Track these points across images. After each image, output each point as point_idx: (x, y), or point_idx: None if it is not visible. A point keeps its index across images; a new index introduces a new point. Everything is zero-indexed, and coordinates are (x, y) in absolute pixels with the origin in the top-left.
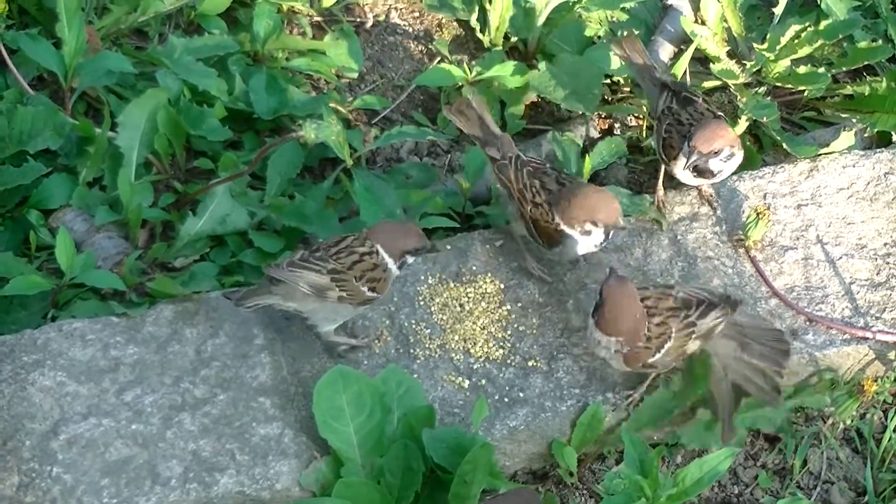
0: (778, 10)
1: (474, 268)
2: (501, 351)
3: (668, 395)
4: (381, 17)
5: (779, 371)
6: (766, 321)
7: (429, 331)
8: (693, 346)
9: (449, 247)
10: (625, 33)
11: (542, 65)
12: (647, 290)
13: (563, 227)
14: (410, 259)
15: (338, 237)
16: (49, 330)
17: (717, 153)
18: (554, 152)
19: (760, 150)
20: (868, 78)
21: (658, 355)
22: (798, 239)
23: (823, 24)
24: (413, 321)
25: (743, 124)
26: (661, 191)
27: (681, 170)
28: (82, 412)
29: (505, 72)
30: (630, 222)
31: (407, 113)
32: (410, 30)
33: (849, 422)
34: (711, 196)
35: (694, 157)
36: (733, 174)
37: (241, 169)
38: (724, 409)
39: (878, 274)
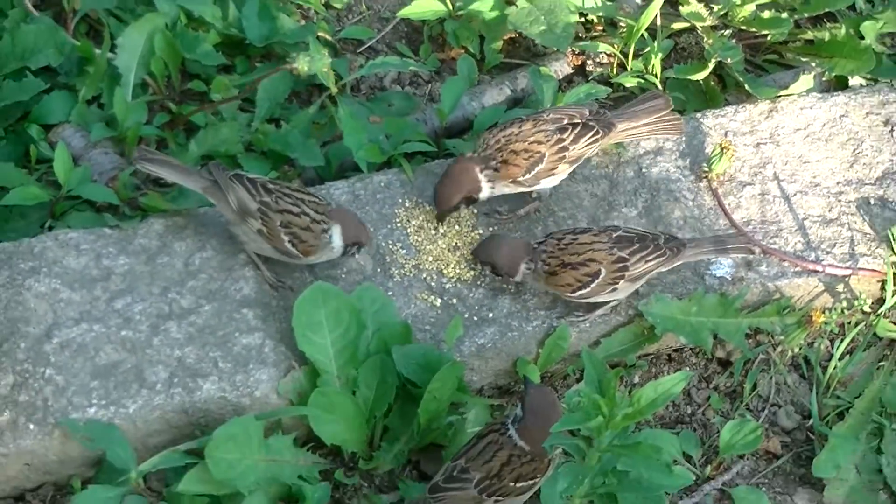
0: None
1: None
2: (472, 272)
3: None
4: None
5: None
6: None
7: (404, 251)
8: (564, 168)
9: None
10: None
11: (521, 2)
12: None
13: None
14: (354, 251)
15: (307, 189)
16: (45, 239)
17: None
18: (532, 86)
19: (724, 89)
20: (828, 24)
21: (528, 175)
22: (756, 175)
23: None
24: (390, 241)
25: (709, 65)
26: None
27: None
28: (75, 318)
29: (485, 7)
30: (597, 156)
31: (391, 44)
32: None
33: (797, 349)
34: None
35: None
36: (696, 112)
37: (233, 91)
38: None
39: (829, 211)
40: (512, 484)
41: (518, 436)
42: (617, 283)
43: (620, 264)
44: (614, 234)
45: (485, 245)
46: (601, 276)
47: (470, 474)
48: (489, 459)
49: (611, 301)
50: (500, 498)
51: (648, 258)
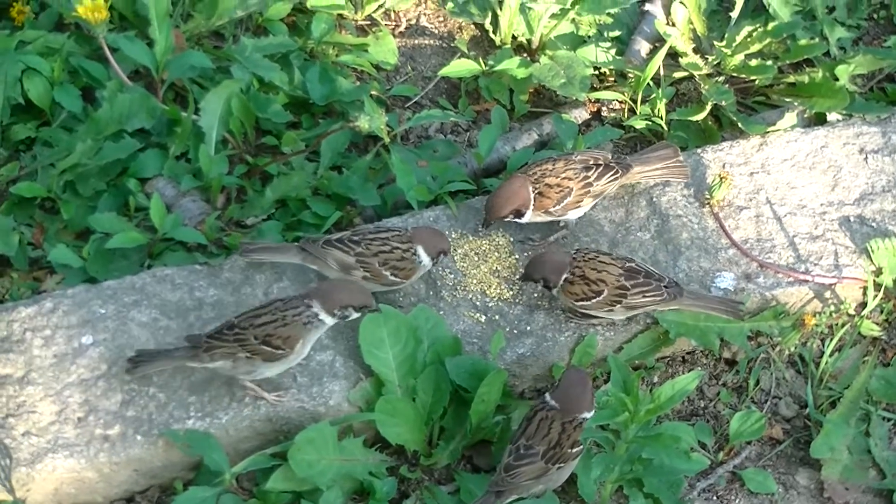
0: (734, 14)
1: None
2: (511, 292)
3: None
4: (413, 21)
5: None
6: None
7: (452, 276)
8: (588, 201)
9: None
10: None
11: (543, 59)
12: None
13: None
14: (443, 258)
15: (383, 227)
16: (145, 276)
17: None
18: (555, 130)
19: (720, 128)
20: (807, 69)
21: (558, 206)
22: (751, 200)
23: (771, 25)
24: (440, 268)
25: (707, 107)
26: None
27: None
28: (173, 343)
29: (513, 65)
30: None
31: (433, 99)
32: (436, 31)
33: (793, 349)
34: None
35: None
36: (697, 148)
37: (300, 145)
38: None
39: (816, 229)
40: (570, 450)
41: (550, 398)
42: (614, 307)
43: (621, 291)
44: (626, 265)
45: (534, 263)
46: (602, 296)
47: (535, 449)
48: (547, 433)
49: (606, 317)
50: (561, 465)
51: (647, 294)
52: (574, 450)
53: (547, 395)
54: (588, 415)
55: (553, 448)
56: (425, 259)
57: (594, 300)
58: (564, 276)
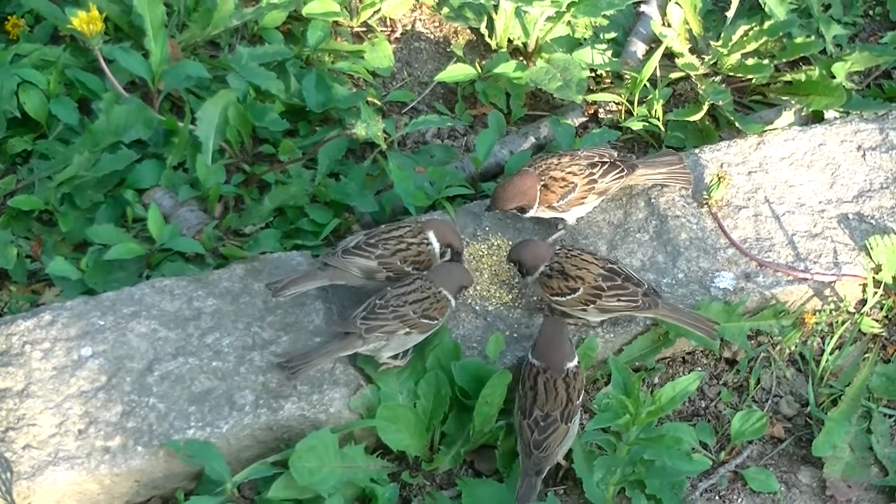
0: (730, 14)
1: (487, 228)
2: (511, 296)
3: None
4: (408, 27)
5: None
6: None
7: None
8: (592, 198)
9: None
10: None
11: (539, 62)
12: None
13: None
14: (449, 253)
15: (394, 225)
16: (144, 286)
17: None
18: (553, 133)
19: (717, 127)
20: (804, 67)
21: (562, 202)
22: (749, 199)
23: (767, 24)
24: None
25: (704, 107)
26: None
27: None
28: (172, 353)
29: (509, 69)
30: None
31: (430, 104)
32: (432, 36)
33: (793, 347)
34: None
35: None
36: (695, 148)
37: (297, 153)
38: None
39: (814, 227)
40: (576, 402)
41: (532, 356)
42: (587, 307)
43: (596, 292)
44: (606, 266)
45: (517, 246)
46: (577, 294)
47: (553, 415)
48: (556, 394)
49: (581, 318)
50: (574, 418)
51: (622, 298)
52: (578, 400)
53: (534, 358)
54: (575, 360)
55: (566, 406)
56: (434, 244)
57: (569, 297)
58: (541, 269)
